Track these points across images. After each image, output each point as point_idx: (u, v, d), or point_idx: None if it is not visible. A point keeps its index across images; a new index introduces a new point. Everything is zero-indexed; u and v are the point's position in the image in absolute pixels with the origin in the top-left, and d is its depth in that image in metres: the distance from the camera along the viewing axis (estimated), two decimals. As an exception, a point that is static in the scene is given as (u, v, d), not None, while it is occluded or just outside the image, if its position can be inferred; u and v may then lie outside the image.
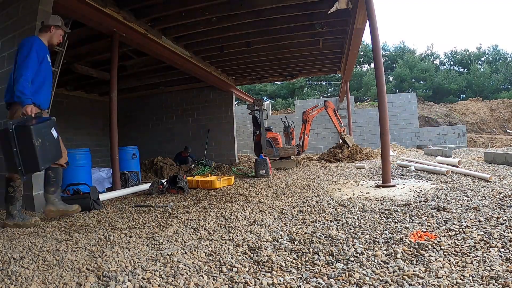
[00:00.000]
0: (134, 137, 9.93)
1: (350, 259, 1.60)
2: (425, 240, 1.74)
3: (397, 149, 10.78)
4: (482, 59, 24.15)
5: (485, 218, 2.08)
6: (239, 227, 2.33)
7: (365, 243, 1.79)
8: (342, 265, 1.54)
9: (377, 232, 1.96)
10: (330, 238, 1.91)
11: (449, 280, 1.29)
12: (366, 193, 3.38)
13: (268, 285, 1.38)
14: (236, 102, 12.97)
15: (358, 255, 1.63)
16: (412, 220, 2.20)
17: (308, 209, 2.76)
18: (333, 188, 3.95)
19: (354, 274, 1.41)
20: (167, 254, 1.80)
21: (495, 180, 3.60)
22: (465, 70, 23.55)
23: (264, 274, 1.49)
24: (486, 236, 1.74)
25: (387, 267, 1.47)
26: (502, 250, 1.55)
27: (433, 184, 3.73)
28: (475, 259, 1.48)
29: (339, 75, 11.04)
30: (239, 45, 6.99)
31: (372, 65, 22.43)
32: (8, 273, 1.63)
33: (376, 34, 3.99)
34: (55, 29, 3.01)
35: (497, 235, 1.72)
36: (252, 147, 8.18)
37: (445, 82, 21.66)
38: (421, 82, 22.45)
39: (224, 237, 2.11)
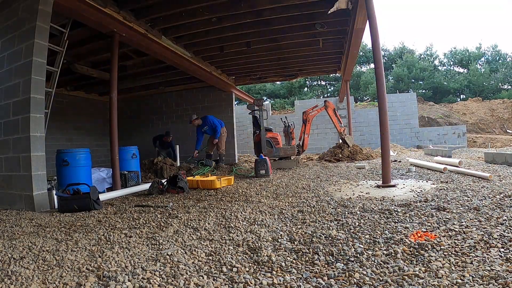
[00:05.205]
0: (134, 137, 9.92)
1: (350, 259, 1.60)
2: (425, 240, 1.74)
3: (397, 149, 10.79)
4: (482, 59, 24.13)
5: (485, 218, 2.09)
6: (239, 227, 2.33)
7: (365, 243, 1.79)
8: (342, 265, 1.54)
9: (377, 232, 1.96)
10: (330, 238, 1.91)
11: (449, 280, 1.29)
12: (366, 193, 3.38)
13: (268, 285, 1.38)
14: (236, 102, 12.95)
15: (358, 255, 1.63)
16: (412, 220, 2.20)
17: (308, 209, 2.76)
18: (333, 188, 3.95)
19: (354, 274, 1.41)
20: (167, 254, 1.80)
21: (495, 180, 3.61)
22: (465, 70, 23.53)
23: (264, 274, 1.49)
24: (486, 236, 1.74)
25: (387, 267, 1.47)
26: (502, 250, 1.55)
27: (433, 184, 3.73)
28: (475, 259, 1.48)
29: (339, 75, 11.04)
30: (239, 45, 6.99)
31: (372, 65, 22.44)
32: (8, 273, 1.63)
33: (376, 34, 3.99)
34: None
35: (497, 235, 1.72)
36: (252, 147, 8.18)
37: (445, 82, 21.66)
38: (420, 82, 22.43)
39: (224, 237, 2.11)
